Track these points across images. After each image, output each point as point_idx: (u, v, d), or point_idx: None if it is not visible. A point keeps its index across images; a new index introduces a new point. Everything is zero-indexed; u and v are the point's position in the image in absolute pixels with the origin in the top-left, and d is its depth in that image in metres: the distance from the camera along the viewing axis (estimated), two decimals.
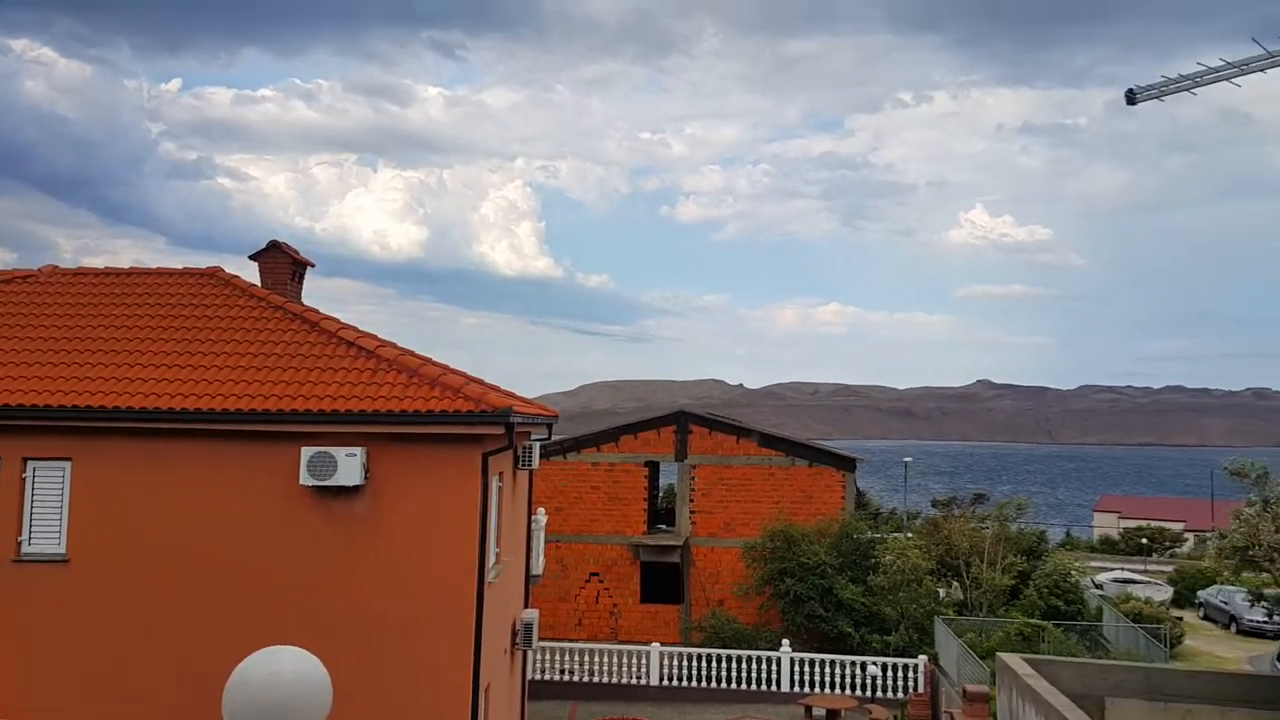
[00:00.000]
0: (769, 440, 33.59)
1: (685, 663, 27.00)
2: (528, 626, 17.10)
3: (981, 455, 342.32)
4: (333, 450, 12.25)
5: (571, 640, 29.21)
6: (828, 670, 26.16)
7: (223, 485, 12.82)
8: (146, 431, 12.81)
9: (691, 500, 32.73)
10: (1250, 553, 16.70)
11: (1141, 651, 27.16)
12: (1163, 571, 52.10)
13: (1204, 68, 14.35)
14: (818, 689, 25.86)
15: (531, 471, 18.22)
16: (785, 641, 27.13)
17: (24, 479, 12.95)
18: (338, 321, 14.97)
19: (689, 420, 33.44)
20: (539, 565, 19.58)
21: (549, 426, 18.47)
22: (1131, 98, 15.09)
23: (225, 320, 14.79)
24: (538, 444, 17.80)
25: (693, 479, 32.82)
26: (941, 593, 31.54)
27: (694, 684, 26.56)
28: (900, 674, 25.85)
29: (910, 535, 34.86)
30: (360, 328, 15.26)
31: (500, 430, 12.67)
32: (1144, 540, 66.87)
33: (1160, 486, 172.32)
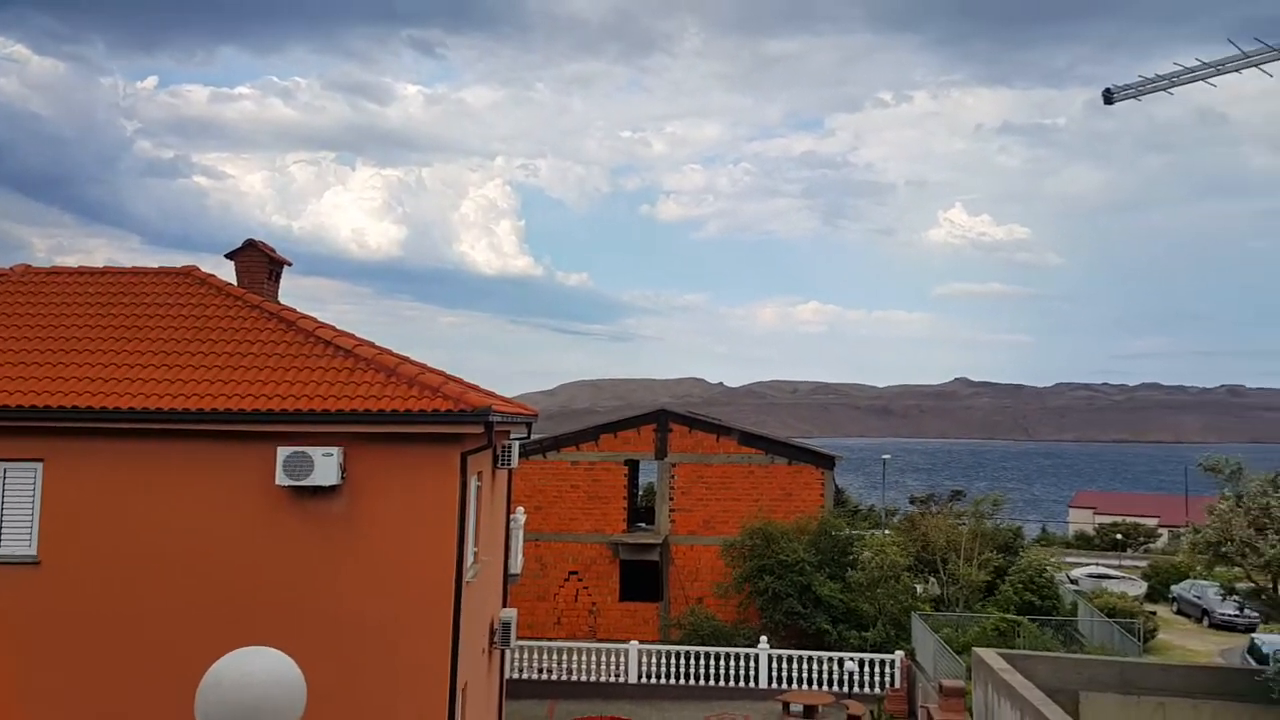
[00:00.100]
0: (749, 438, 33.68)
1: (664, 661, 27.04)
2: (506, 625, 17.08)
3: (959, 452, 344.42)
4: (309, 450, 12.18)
5: (550, 639, 29.20)
6: (806, 667, 26.28)
7: (198, 485, 12.73)
8: (120, 432, 12.70)
9: (671, 498, 32.78)
10: (1223, 548, 16.89)
11: (1116, 646, 27.41)
12: (1137, 566, 52.59)
13: (1180, 68, 14.53)
14: (796, 685, 25.97)
15: (510, 470, 18.20)
16: (763, 638, 27.22)
17: None
18: (315, 320, 14.89)
19: (669, 419, 33.49)
20: (518, 564, 19.56)
21: (528, 425, 18.44)
22: (1109, 97, 15.26)
23: (201, 319, 14.68)
24: (517, 443, 17.77)
25: (672, 477, 32.87)
26: (919, 589, 31.72)
27: (672, 682, 26.61)
28: (877, 670, 25.99)
29: (889, 532, 35.06)
30: (338, 326, 15.19)
31: (479, 429, 12.64)
32: (1119, 536, 67.52)
33: (1135, 483, 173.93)
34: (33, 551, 12.74)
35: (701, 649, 27.07)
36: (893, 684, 25.57)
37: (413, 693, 12.51)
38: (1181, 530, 55.94)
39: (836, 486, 36.08)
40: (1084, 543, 69.95)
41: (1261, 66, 14.05)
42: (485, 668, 16.46)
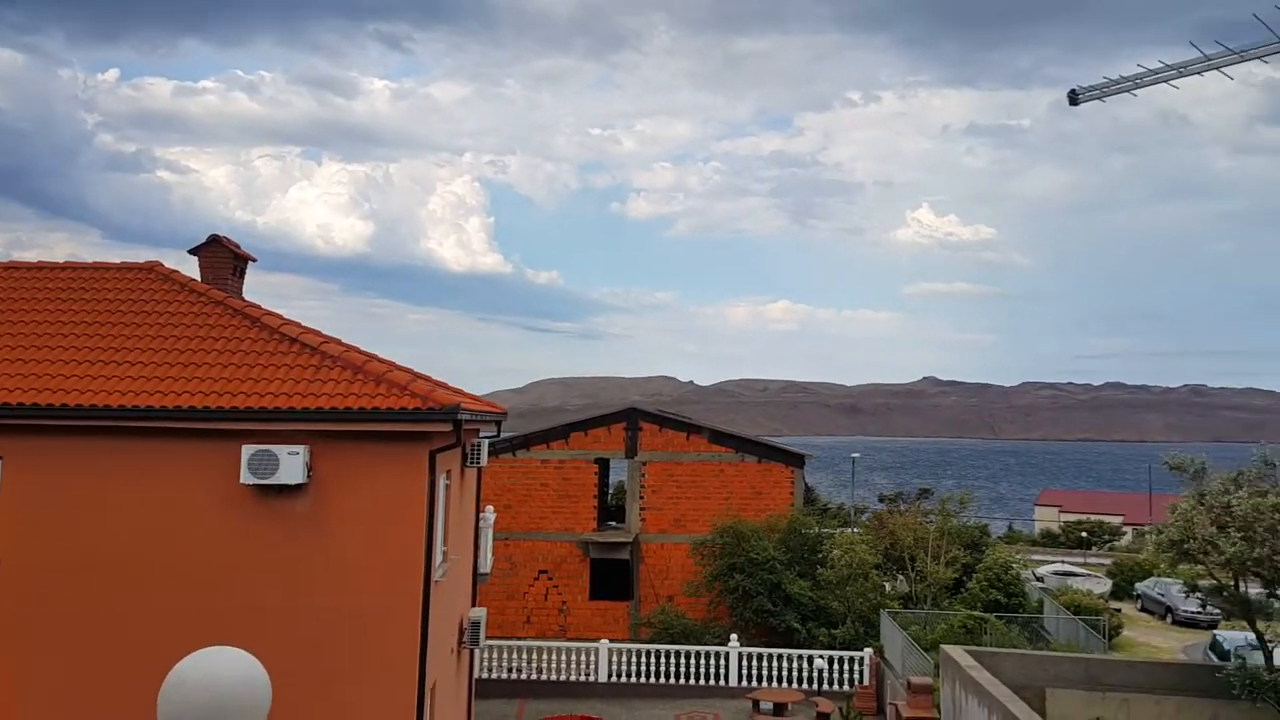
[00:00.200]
0: (719, 437, 33.74)
1: (634, 659, 27.01)
2: (475, 625, 16.98)
3: (927, 450, 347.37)
4: (274, 448, 12.04)
5: (520, 638, 29.09)
6: (775, 664, 26.34)
7: (161, 484, 12.54)
8: (82, 429, 12.49)
9: (642, 497, 32.76)
10: (1185, 546, 17.08)
11: (1081, 642, 27.69)
12: (1102, 564, 53.21)
13: (1144, 69, 14.68)
14: (766, 683, 26.03)
15: (480, 469, 18.09)
16: (734, 637, 27.26)
17: None
18: (280, 317, 14.72)
19: (639, 417, 33.46)
20: (487, 563, 19.45)
21: (498, 424, 18.33)
22: (1074, 98, 15.37)
23: (164, 316, 14.46)
24: (486, 441, 17.67)
25: (643, 476, 32.85)
26: (887, 586, 31.92)
27: (643, 680, 26.58)
28: (846, 667, 26.10)
29: (857, 530, 35.25)
30: (303, 324, 15.02)
31: (447, 428, 12.55)
32: (1084, 534, 68.33)
33: (1100, 481, 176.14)
34: None
35: (672, 647, 27.06)
36: (862, 681, 25.69)
37: (381, 692, 12.40)
38: (1146, 529, 56.67)
39: (806, 485, 36.20)
40: (1050, 540, 70.71)
41: (1222, 69, 14.22)
42: (454, 667, 16.35)
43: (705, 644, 27.46)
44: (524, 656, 27.21)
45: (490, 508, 20.63)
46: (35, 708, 12.26)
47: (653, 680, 26.54)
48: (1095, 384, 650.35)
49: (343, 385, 12.65)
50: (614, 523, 34.87)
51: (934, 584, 30.16)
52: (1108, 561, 54.10)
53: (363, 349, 15.21)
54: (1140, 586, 43.97)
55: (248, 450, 12.06)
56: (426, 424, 12.36)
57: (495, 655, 26.97)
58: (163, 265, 16.03)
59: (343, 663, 12.32)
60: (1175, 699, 17.67)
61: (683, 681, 26.41)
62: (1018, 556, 35.28)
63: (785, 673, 26.23)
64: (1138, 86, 14.95)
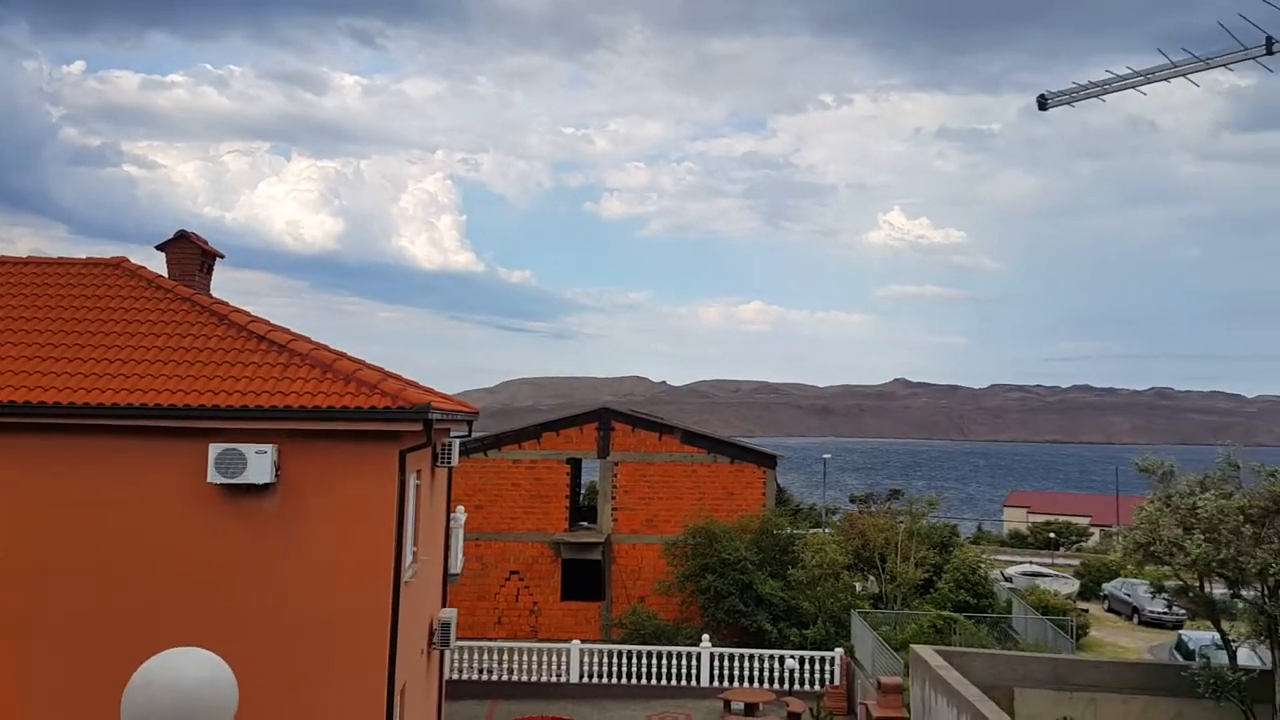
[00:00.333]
0: (691, 437, 33.78)
1: (605, 660, 26.96)
2: (445, 626, 16.88)
3: (898, 451, 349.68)
4: (242, 447, 11.91)
5: (491, 639, 28.96)
6: (747, 665, 26.38)
7: (126, 483, 12.38)
8: (46, 427, 12.29)
9: (614, 497, 32.73)
10: (1152, 548, 17.27)
11: (1049, 642, 27.95)
12: (1069, 565, 53.76)
13: (1112, 75, 14.81)
14: (737, 683, 26.07)
15: (451, 469, 17.98)
16: (705, 637, 27.28)
17: None
18: (248, 314, 14.55)
19: (612, 417, 33.44)
20: (458, 564, 19.35)
21: (469, 423, 18.25)
22: (1043, 103, 15.50)
23: (130, 312, 14.26)
24: (457, 441, 17.58)
25: (615, 476, 32.82)
26: (858, 586, 32.08)
27: (614, 681, 26.53)
28: (817, 667, 26.19)
29: (829, 531, 35.40)
30: (272, 321, 14.87)
31: (418, 427, 12.46)
32: (1052, 534, 69.01)
33: (1068, 483, 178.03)
34: None
35: (643, 648, 27.04)
36: (832, 681, 25.78)
37: (350, 694, 12.30)
38: (1113, 530, 57.33)
39: (778, 485, 36.34)
40: (1018, 541, 71.38)
41: (1189, 76, 14.38)
42: (424, 668, 16.24)
43: (677, 644, 27.47)
44: (495, 657, 27.09)
45: (461, 508, 20.53)
46: None
47: (624, 681, 26.51)
48: (1063, 386, 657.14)
49: (311, 384, 12.53)
50: (586, 523, 34.81)
51: (904, 584, 30.34)
52: (1075, 562, 54.66)
53: (332, 347, 15.10)
54: (1107, 587, 44.46)
55: (215, 449, 11.92)
56: (397, 423, 12.27)
57: (466, 656, 26.84)
58: (129, 261, 15.81)
59: (311, 664, 12.21)
60: (1141, 698, 17.86)
61: (654, 682, 26.40)
62: (984, 557, 35.57)
63: (757, 673, 26.28)
64: (1106, 92, 15.09)
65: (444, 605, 18.29)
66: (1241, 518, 16.37)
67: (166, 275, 15.77)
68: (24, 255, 16.39)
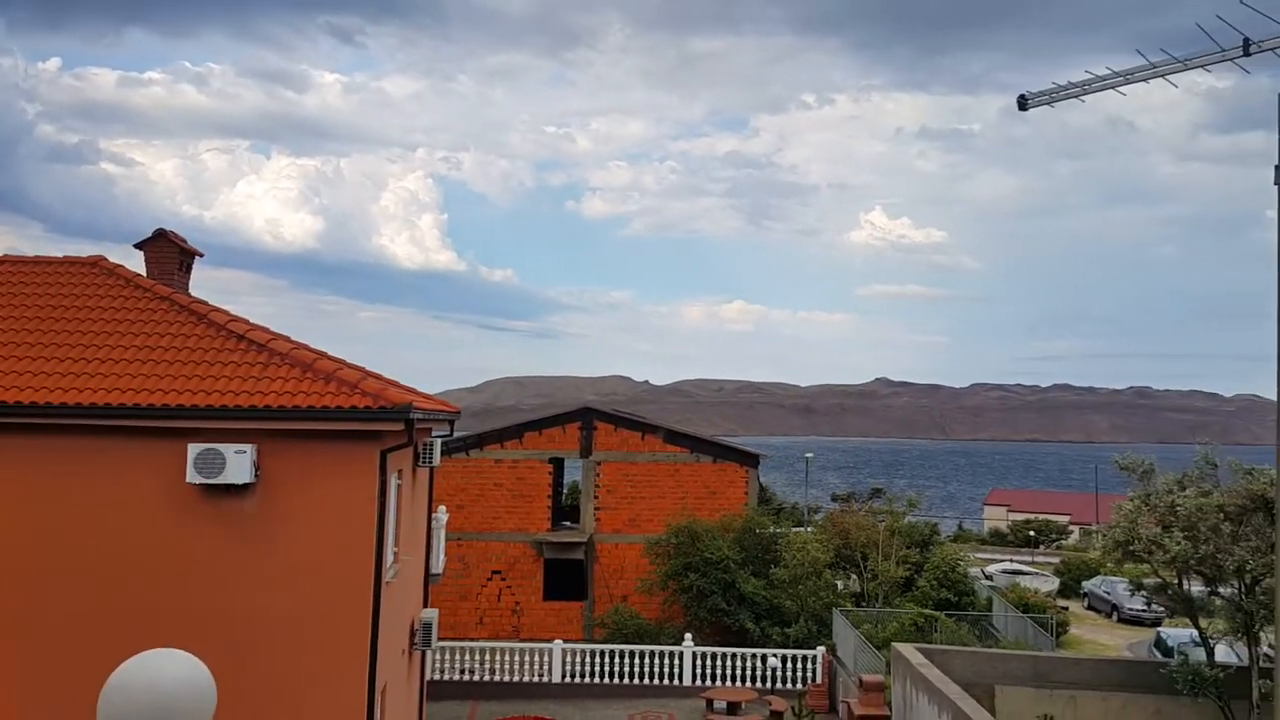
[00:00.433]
0: (674, 437, 33.79)
1: (588, 659, 26.93)
2: (427, 626, 16.82)
3: (879, 450, 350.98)
4: (221, 447, 11.82)
5: (473, 639, 28.88)
6: (729, 664, 26.41)
7: (105, 483, 12.27)
8: (23, 427, 12.17)
9: (596, 497, 32.70)
10: (1131, 546, 17.39)
11: (1029, 640, 28.11)
12: (1049, 563, 54.11)
13: (1092, 75, 14.88)
14: (719, 682, 26.09)
15: (432, 469, 17.92)
16: (688, 636, 27.29)
17: None
18: (227, 314, 14.46)
19: (594, 417, 33.41)
20: (439, 564, 19.29)
21: (451, 423, 18.18)
22: (1023, 103, 15.56)
23: (108, 311, 14.14)
24: (439, 441, 17.50)
25: (598, 475, 32.79)
26: (840, 585, 32.17)
27: (597, 680, 26.51)
28: (800, 665, 26.24)
29: (811, 529, 35.48)
30: (251, 320, 14.77)
31: (399, 427, 12.40)
32: (1031, 533, 69.40)
33: (1047, 481, 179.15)
34: None
35: (626, 647, 27.03)
36: (814, 679, 25.84)
37: (330, 695, 12.23)
38: (1092, 528, 57.73)
39: (760, 484, 36.41)
40: (998, 539, 71.78)
41: (1167, 77, 14.46)
42: (405, 669, 16.17)
43: (660, 644, 27.48)
44: (477, 658, 27.03)
45: (443, 508, 20.47)
46: None
47: (607, 680, 26.48)
48: (1043, 385, 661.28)
49: (291, 383, 12.46)
50: (568, 523, 34.77)
51: (885, 582, 30.45)
52: (1055, 560, 55.01)
53: (312, 346, 14.99)
54: (1087, 585, 44.76)
55: (194, 449, 11.84)
56: (378, 423, 12.21)
57: (448, 657, 26.76)
58: (107, 260, 15.67)
59: (291, 665, 12.13)
60: (1121, 695, 17.98)
61: (637, 681, 26.39)
62: (961, 554, 35.77)
63: (739, 672, 26.31)
64: (1086, 93, 15.15)
65: (426, 605, 18.23)
66: (1221, 515, 16.51)
67: (145, 274, 15.64)
68: None
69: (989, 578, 42.28)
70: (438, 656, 26.10)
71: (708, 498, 32.36)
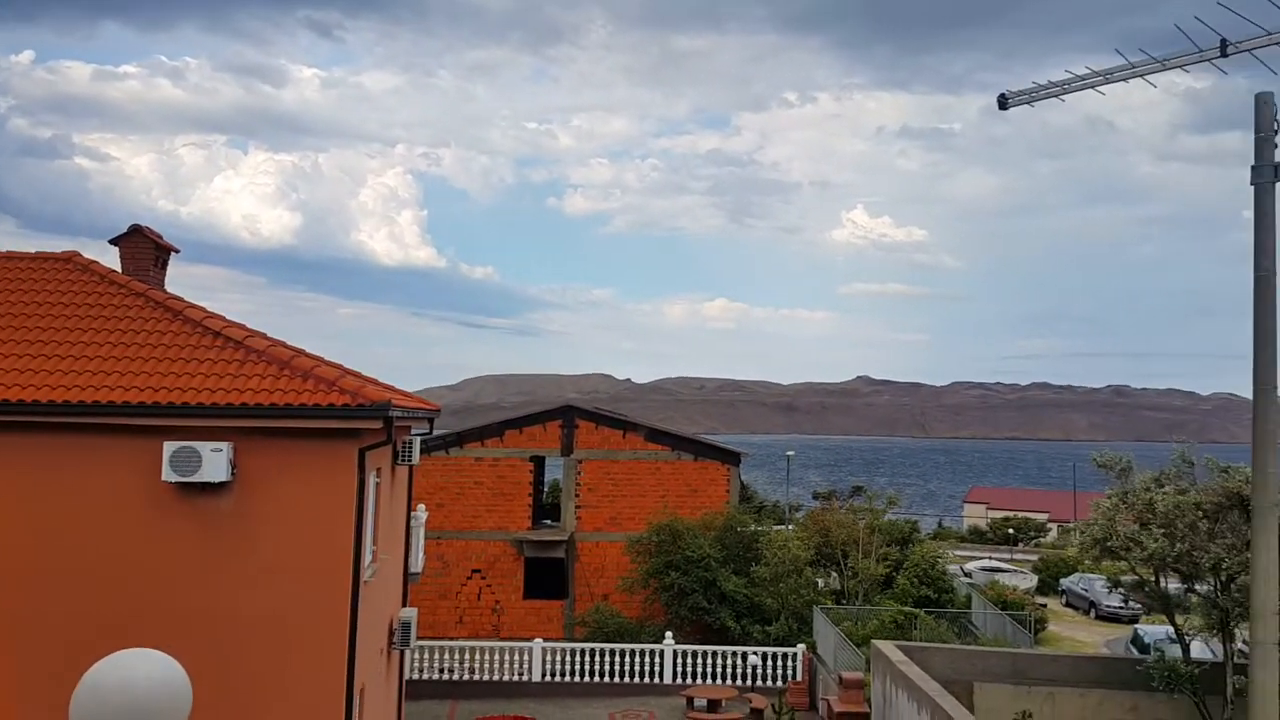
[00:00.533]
0: (656, 435, 33.77)
1: (568, 658, 26.89)
2: (405, 625, 16.72)
3: (860, 448, 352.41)
4: (197, 445, 11.71)
5: (452, 638, 28.77)
6: (710, 661, 26.43)
7: (79, 481, 12.13)
8: None
9: (577, 495, 32.64)
10: (1109, 543, 17.49)
11: (1008, 637, 28.28)
12: (1028, 560, 54.45)
13: (1072, 75, 14.92)
14: (700, 680, 26.09)
15: (412, 467, 17.82)
16: (668, 634, 27.29)
17: None
18: (203, 310, 14.33)
19: (575, 415, 33.35)
20: (419, 563, 19.19)
21: (430, 421, 18.07)
22: (1003, 102, 15.59)
23: (82, 308, 13.98)
24: (419, 439, 17.39)
25: (579, 474, 32.73)
26: (820, 582, 32.26)
27: (577, 679, 26.47)
28: (780, 663, 26.28)
29: (792, 527, 35.56)
30: (228, 317, 14.64)
31: (378, 425, 12.31)
32: (1010, 530, 69.80)
33: (1027, 479, 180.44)
34: None
35: (606, 646, 26.99)
36: (795, 677, 25.89)
37: (308, 695, 12.13)
38: (1071, 525, 58.08)
39: (742, 483, 36.43)
40: (978, 537, 72.18)
41: (1146, 77, 14.52)
42: (384, 669, 16.08)
43: (640, 642, 27.46)
44: (456, 657, 26.92)
45: (422, 506, 20.35)
46: None
47: (587, 679, 26.44)
48: (1022, 384, 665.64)
49: (268, 380, 12.35)
50: (549, 521, 34.70)
51: (866, 580, 30.56)
52: (1034, 557, 55.38)
53: (290, 344, 14.87)
54: (1065, 582, 45.07)
55: (169, 447, 11.71)
56: (356, 421, 12.11)
57: (427, 656, 26.64)
58: (82, 256, 15.49)
59: (269, 665, 12.03)
60: (1098, 691, 18.08)
61: (617, 680, 26.36)
62: (940, 552, 35.97)
63: (720, 670, 26.33)
64: (1066, 92, 15.20)
65: (404, 605, 18.12)
66: (1198, 513, 16.62)
67: (120, 270, 15.49)
68: None
69: (968, 575, 42.49)
70: (417, 656, 25.98)
71: (689, 496, 32.36)
